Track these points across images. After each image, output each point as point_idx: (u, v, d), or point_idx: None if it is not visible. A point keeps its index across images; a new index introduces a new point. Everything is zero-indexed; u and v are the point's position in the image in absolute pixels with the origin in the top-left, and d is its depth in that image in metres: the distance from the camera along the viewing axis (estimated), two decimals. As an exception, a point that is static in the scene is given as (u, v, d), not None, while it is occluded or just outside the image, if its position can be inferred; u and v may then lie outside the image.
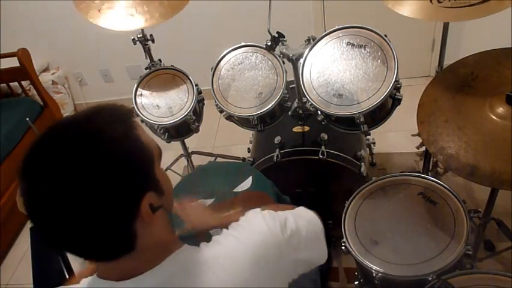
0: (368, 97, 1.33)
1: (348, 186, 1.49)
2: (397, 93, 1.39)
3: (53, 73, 3.10)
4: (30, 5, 2.81)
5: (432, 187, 1.34)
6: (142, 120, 1.76)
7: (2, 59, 2.65)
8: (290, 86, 1.58)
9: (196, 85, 1.81)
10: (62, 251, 1.33)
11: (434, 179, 1.35)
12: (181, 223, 1.02)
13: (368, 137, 2.05)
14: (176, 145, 2.09)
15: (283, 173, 1.64)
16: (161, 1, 1.61)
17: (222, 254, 0.68)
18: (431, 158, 1.83)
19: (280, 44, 1.46)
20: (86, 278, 0.70)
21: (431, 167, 1.90)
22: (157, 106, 1.79)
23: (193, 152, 2.25)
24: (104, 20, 1.61)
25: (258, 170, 1.56)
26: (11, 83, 2.81)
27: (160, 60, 1.94)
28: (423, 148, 1.99)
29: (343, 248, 1.26)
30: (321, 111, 1.40)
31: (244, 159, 2.08)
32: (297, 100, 1.58)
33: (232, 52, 1.64)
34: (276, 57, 1.57)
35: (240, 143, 2.32)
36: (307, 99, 1.40)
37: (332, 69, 1.39)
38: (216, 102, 1.59)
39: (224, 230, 0.75)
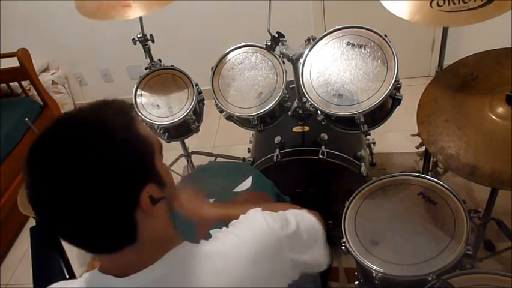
0: (368, 97, 1.33)
1: (348, 186, 1.49)
2: (397, 93, 1.39)
3: (53, 73, 3.11)
4: (30, 5, 2.81)
5: (432, 187, 1.34)
6: (142, 120, 1.76)
7: (2, 59, 2.65)
8: (290, 86, 1.58)
9: (196, 85, 1.81)
10: (62, 251, 1.34)
11: (434, 179, 1.35)
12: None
13: (368, 137, 2.05)
14: (176, 145, 2.09)
15: (283, 173, 1.64)
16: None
17: (222, 250, 0.69)
18: (431, 158, 1.83)
19: (280, 44, 1.46)
20: (87, 272, 0.71)
21: (431, 167, 1.90)
22: (157, 106, 1.80)
23: (193, 152, 2.25)
24: (103, 14, 1.60)
25: (258, 170, 1.56)
26: (11, 83, 2.81)
27: (160, 60, 1.93)
28: (423, 148, 1.99)
29: (343, 248, 1.26)
30: (321, 111, 1.40)
31: (244, 159, 2.08)
32: (297, 100, 1.58)
33: (232, 52, 1.64)
34: (276, 57, 1.57)
35: (240, 143, 2.32)
36: (307, 99, 1.41)
37: (332, 69, 1.39)
38: (216, 102, 1.59)
39: (224, 228, 0.76)
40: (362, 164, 1.63)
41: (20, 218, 2.41)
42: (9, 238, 2.38)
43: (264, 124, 1.61)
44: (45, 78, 3.00)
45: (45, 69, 3.13)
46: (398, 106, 1.44)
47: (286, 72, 1.55)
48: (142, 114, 1.77)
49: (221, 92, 1.60)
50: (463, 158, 1.10)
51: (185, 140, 2.08)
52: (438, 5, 1.16)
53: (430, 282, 1.09)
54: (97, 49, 3.00)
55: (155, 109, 1.79)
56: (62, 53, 3.09)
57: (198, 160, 2.28)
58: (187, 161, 2.21)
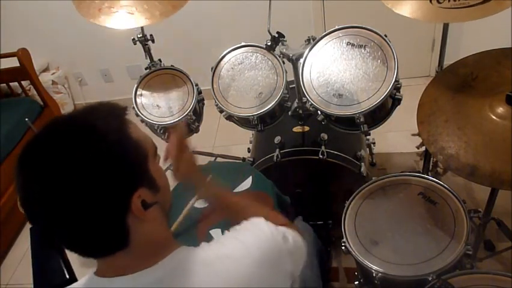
0: (368, 97, 1.33)
1: (348, 186, 1.49)
2: (397, 93, 1.39)
3: (53, 73, 3.10)
4: (30, 5, 2.81)
5: (432, 187, 1.34)
6: (142, 120, 1.76)
7: (2, 59, 2.65)
8: (290, 86, 1.58)
9: (196, 85, 1.81)
10: (62, 251, 1.33)
11: (434, 179, 1.35)
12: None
13: (368, 137, 2.05)
14: (176, 145, 2.09)
15: (283, 173, 1.64)
16: (161, 0, 1.61)
17: (224, 254, 0.68)
18: (431, 158, 1.83)
19: (280, 44, 1.46)
20: (84, 277, 0.71)
21: (431, 167, 1.90)
22: (157, 106, 1.79)
23: (193, 152, 2.25)
24: (104, 19, 1.61)
25: (258, 170, 1.56)
26: (11, 83, 2.81)
27: (160, 60, 1.93)
28: (423, 148, 1.99)
29: (343, 248, 1.26)
30: (321, 111, 1.40)
31: (244, 159, 2.08)
32: (297, 100, 1.57)
33: (232, 52, 1.64)
34: (276, 57, 1.57)
35: (240, 143, 2.32)
36: (307, 99, 1.41)
37: (332, 69, 1.39)
38: (216, 102, 1.59)
39: (226, 232, 0.75)
40: (362, 164, 1.63)
41: (20, 218, 2.41)
42: (9, 238, 2.38)
43: (264, 124, 1.61)
44: (45, 78, 3.00)
45: (45, 69, 3.12)
46: (398, 106, 1.44)
47: (286, 72, 1.55)
48: (142, 114, 1.77)
49: (221, 92, 1.60)
50: (463, 158, 1.10)
51: (185, 140, 2.07)
52: (438, 1, 1.16)
53: (430, 282, 1.09)
54: (97, 49, 3.00)
55: (155, 109, 1.79)
56: (62, 53, 3.09)
57: (197, 160, 2.27)
58: (187, 161, 2.20)
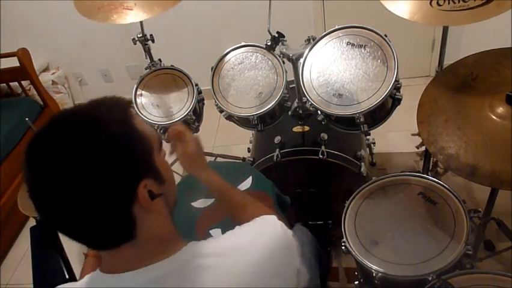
0: (368, 97, 1.33)
1: (348, 186, 1.49)
2: (397, 93, 1.39)
3: (53, 73, 3.11)
4: (30, 5, 2.81)
5: (432, 187, 1.34)
6: (142, 121, 1.76)
7: (2, 59, 2.65)
8: (290, 86, 1.58)
9: (196, 85, 1.81)
10: (62, 251, 1.34)
11: (434, 179, 1.35)
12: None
13: (368, 137, 2.05)
14: (176, 145, 2.09)
15: (283, 173, 1.64)
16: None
17: (234, 247, 0.69)
18: (431, 158, 1.83)
19: (280, 44, 1.46)
20: (89, 274, 0.71)
21: (431, 167, 1.90)
22: (157, 106, 1.80)
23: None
24: (104, 16, 1.61)
25: (258, 170, 1.56)
26: (11, 83, 2.81)
27: (160, 60, 1.93)
28: (423, 148, 1.99)
29: (343, 248, 1.26)
30: (321, 111, 1.40)
31: (244, 159, 2.08)
32: (297, 100, 1.57)
33: (232, 52, 1.64)
34: (276, 57, 1.57)
35: (240, 143, 2.32)
36: (307, 99, 1.41)
37: (332, 69, 1.39)
38: (216, 102, 1.59)
39: (237, 227, 0.76)
40: (362, 164, 1.63)
41: (20, 218, 2.41)
42: (9, 238, 2.38)
43: (264, 124, 1.61)
44: (45, 78, 3.00)
45: (45, 69, 3.13)
46: (398, 106, 1.44)
47: (286, 72, 1.55)
48: (142, 114, 1.77)
49: (221, 92, 1.60)
50: (463, 158, 1.10)
51: (185, 140, 2.07)
52: (438, 4, 1.16)
53: (430, 282, 1.09)
54: (97, 49, 3.00)
55: (155, 109, 1.79)
56: (62, 53, 3.09)
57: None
58: (187, 161, 2.21)
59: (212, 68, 1.63)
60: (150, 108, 1.79)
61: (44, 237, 1.39)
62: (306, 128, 1.70)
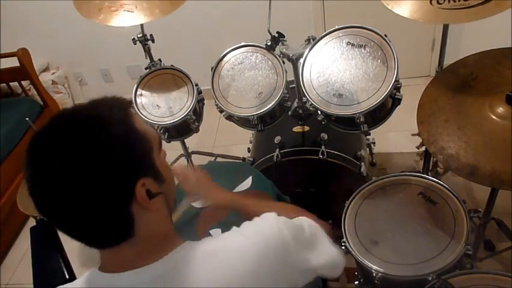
0: (368, 97, 1.33)
1: (348, 186, 1.49)
2: (397, 93, 1.39)
3: (53, 73, 3.11)
4: (30, 5, 2.81)
5: (432, 187, 1.34)
6: (142, 121, 1.76)
7: (2, 59, 2.65)
8: (290, 86, 1.58)
9: (196, 85, 1.81)
10: (62, 251, 1.34)
11: (434, 179, 1.35)
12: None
13: (368, 136, 2.05)
14: (176, 145, 2.09)
15: (283, 173, 1.64)
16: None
17: (226, 247, 0.69)
18: (431, 158, 1.83)
19: (280, 43, 1.46)
20: (86, 273, 0.71)
21: (431, 167, 1.90)
22: (157, 106, 1.80)
23: (193, 152, 2.25)
24: (104, 18, 1.61)
25: (258, 169, 1.56)
26: (11, 83, 2.81)
27: (160, 60, 1.93)
28: (423, 148, 1.99)
29: (343, 248, 1.26)
30: (321, 111, 1.40)
31: (244, 159, 2.08)
32: (297, 100, 1.58)
33: (232, 52, 1.64)
34: (276, 57, 1.57)
35: (240, 143, 2.32)
36: (307, 99, 1.41)
37: (332, 69, 1.39)
38: (216, 102, 1.59)
39: (234, 227, 0.75)
40: (362, 164, 1.63)
41: (20, 218, 2.41)
42: (9, 238, 2.38)
43: (264, 124, 1.61)
44: (45, 78, 3.00)
45: (45, 69, 3.13)
46: (398, 106, 1.44)
47: (286, 72, 1.55)
48: (142, 114, 1.77)
49: (221, 92, 1.60)
50: (463, 158, 1.10)
51: (185, 140, 2.08)
52: (438, 2, 1.16)
53: (430, 282, 1.09)
54: (97, 49, 3.00)
55: (155, 109, 1.79)
56: (62, 53, 3.09)
57: (198, 160, 2.28)
58: (187, 161, 2.21)
59: (212, 68, 1.63)
60: (150, 108, 1.79)
61: (44, 237, 1.39)
62: (306, 128, 1.70)
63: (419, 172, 1.61)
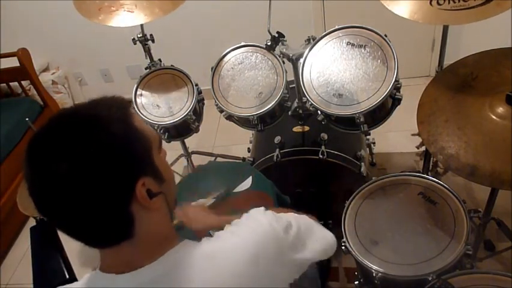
0: (368, 97, 1.33)
1: (348, 186, 1.49)
2: (397, 93, 1.39)
3: (53, 73, 3.11)
4: (30, 5, 2.81)
5: (432, 187, 1.34)
6: (142, 121, 1.76)
7: (2, 59, 2.65)
8: (290, 86, 1.58)
9: (196, 85, 1.81)
10: (62, 251, 1.34)
11: (434, 179, 1.35)
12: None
13: (368, 136, 2.05)
14: (176, 145, 2.09)
15: (283, 173, 1.64)
16: (160, -1, 1.62)
17: (222, 249, 0.69)
18: (431, 158, 1.83)
19: (280, 43, 1.46)
20: (87, 274, 0.71)
21: (431, 167, 1.90)
22: (157, 106, 1.80)
23: (193, 152, 2.25)
24: (104, 18, 1.61)
25: (258, 169, 1.56)
26: (11, 83, 2.81)
27: (160, 60, 1.94)
28: (423, 148, 1.99)
29: (343, 248, 1.26)
30: (321, 111, 1.40)
31: (244, 159, 2.08)
32: (297, 100, 1.58)
33: (232, 52, 1.64)
34: (276, 57, 1.57)
35: (240, 143, 2.32)
36: (307, 99, 1.41)
37: (332, 69, 1.39)
38: (216, 102, 1.59)
39: (226, 226, 0.75)
40: (362, 164, 1.63)
41: (20, 218, 2.41)
42: (9, 238, 2.38)
43: (264, 124, 1.61)
44: (45, 78, 3.00)
45: (45, 69, 3.13)
46: (398, 106, 1.44)
47: (286, 72, 1.55)
48: (142, 114, 1.77)
49: (221, 92, 1.60)
50: (463, 158, 1.10)
51: (185, 140, 2.08)
52: (438, 3, 1.16)
53: (430, 282, 1.09)
54: (97, 49, 3.00)
55: (155, 109, 1.79)
56: (62, 53, 3.09)
57: (198, 160, 2.28)
58: (187, 161, 2.21)
59: (212, 68, 1.63)
60: (150, 108, 1.79)
61: (44, 237, 1.39)
62: (306, 128, 1.70)
63: (419, 172, 1.61)
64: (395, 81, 1.31)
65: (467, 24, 1.15)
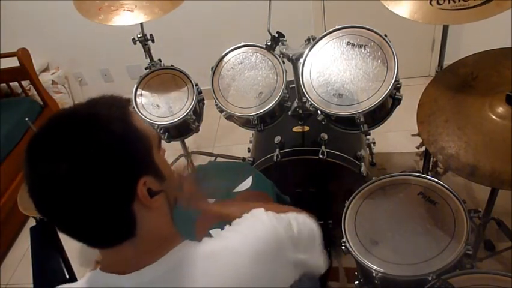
0: (368, 97, 1.33)
1: (348, 186, 1.49)
2: (397, 93, 1.39)
3: (53, 73, 3.11)
4: (30, 5, 2.81)
5: (432, 187, 1.34)
6: (142, 120, 1.76)
7: (2, 59, 2.65)
8: (290, 86, 1.58)
9: (196, 85, 1.81)
10: (62, 251, 1.34)
11: (434, 179, 1.35)
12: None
13: (368, 136, 2.05)
14: (176, 145, 2.09)
15: (283, 173, 1.64)
16: (160, -1, 1.62)
17: (224, 248, 0.69)
18: (431, 158, 1.83)
19: (280, 43, 1.46)
20: (89, 272, 0.71)
21: (431, 167, 1.90)
22: (157, 106, 1.80)
23: (193, 152, 2.25)
24: (104, 17, 1.61)
25: (258, 169, 1.56)
26: (11, 83, 2.81)
27: (160, 60, 1.94)
28: (423, 148, 1.99)
29: (343, 248, 1.26)
30: (321, 111, 1.40)
31: (244, 159, 2.08)
32: (297, 100, 1.58)
33: (232, 52, 1.64)
34: (276, 57, 1.57)
35: (240, 143, 2.32)
36: (307, 99, 1.41)
37: (332, 69, 1.39)
38: (216, 102, 1.59)
39: (227, 226, 0.75)
40: (362, 164, 1.63)
41: (20, 218, 2.41)
42: (9, 238, 2.38)
43: (264, 124, 1.61)
44: (45, 78, 3.00)
45: (45, 69, 3.13)
46: (398, 106, 1.44)
47: (286, 72, 1.55)
48: (142, 114, 1.77)
49: (221, 92, 1.60)
50: (463, 158, 1.10)
51: (186, 140, 2.08)
52: (438, 3, 1.16)
53: (430, 282, 1.09)
54: (97, 49, 3.00)
55: (155, 109, 1.79)
56: (62, 53, 3.09)
57: (198, 160, 2.28)
58: (187, 160, 2.21)
59: (212, 68, 1.63)
60: (150, 108, 1.79)
61: (44, 237, 1.39)
62: (306, 128, 1.70)
63: (419, 172, 1.61)
64: (395, 81, 1.31)
65: (467, 24, 1.15)
